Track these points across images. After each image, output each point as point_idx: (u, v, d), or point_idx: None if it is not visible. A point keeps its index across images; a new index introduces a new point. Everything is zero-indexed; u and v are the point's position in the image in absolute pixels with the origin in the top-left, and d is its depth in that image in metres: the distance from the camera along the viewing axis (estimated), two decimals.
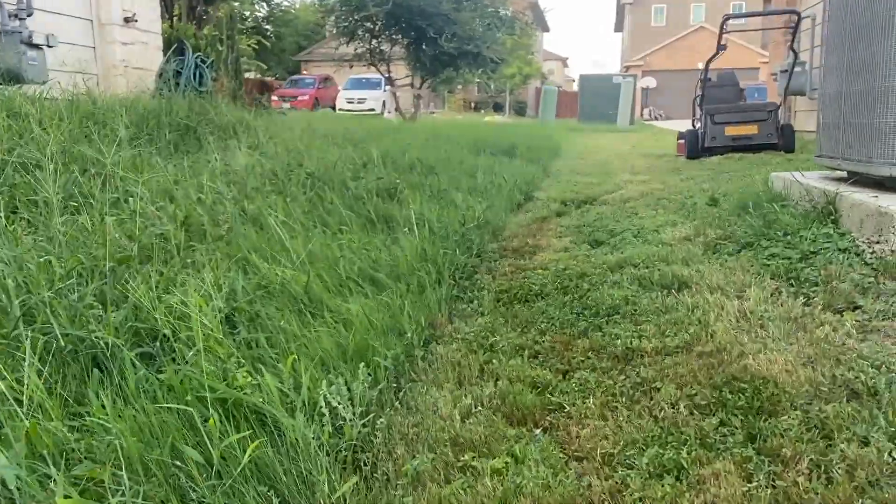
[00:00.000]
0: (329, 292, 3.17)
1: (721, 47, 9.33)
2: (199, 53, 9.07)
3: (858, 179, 3.87)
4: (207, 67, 8.97)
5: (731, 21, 9.47)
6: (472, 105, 43.60)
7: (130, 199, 4.09)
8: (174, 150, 6.38)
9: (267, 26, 42.58)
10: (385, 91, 30.69)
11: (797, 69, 10.70)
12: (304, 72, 42.22)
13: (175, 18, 10.98)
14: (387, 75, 19.74)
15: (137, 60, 8.96)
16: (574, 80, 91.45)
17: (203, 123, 7.29)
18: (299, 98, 38.59)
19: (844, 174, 4.13)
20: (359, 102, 38.74)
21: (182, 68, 8.78)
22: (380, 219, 4.70)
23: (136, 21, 8.86)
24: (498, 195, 6.09)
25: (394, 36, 18.66)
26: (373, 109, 34.45)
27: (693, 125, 10.24)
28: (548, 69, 66.61)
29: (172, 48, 9.03)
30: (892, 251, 3.09)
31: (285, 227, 4.04)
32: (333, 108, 40.19)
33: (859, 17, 3.71)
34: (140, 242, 3.34)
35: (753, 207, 4.43)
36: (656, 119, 46.44)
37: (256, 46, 37.83)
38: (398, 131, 10.35)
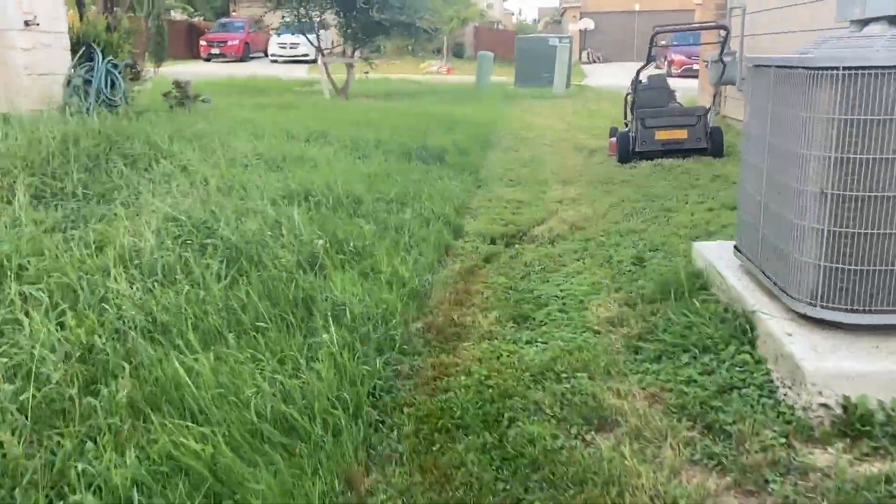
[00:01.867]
0: (240, 459, 3.05)
1: (651, 58, 9.32)
2: (109, 57, 8.50)
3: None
4: (119, 73, 8.44)
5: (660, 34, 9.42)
6: (409, 48, 42.61)
7: (26, 318, 3.83)
8: (81, 197, 6.05)
9: None
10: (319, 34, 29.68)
11: (727, 59, 10.78)
12: (234, 13, 40.39)
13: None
14: (316, 45, 18.97)
15: (42, 66, 8.36)
16: (513, 14, 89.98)
17: (114, 152, 6.91)
18: (229, 43, 37.01)
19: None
20: (291, 48, 37.38)
21: (91, 76, 8.25)
22: (299, 305, 4.55)
23: (37, 24, 8.23)
24: (425, 243, 5.97)
25: (324, 4, 17.86)
26: (306, 55, 33.30)
27: (626, 125, 10.26)
28: (486, 3, 65.39)
29: (80, 53, 8.44)
30: (804, 407, 3.13)
31: (196, 336, 3.88)
32: (266, 53, 38.69)
33: (778, 142, 3.65)
34: (30, 406, 3.13)
35: (675, 296, 4.46)
36: (594, 62, 46.27)
37: None
38: (326, 133, 10.04)
